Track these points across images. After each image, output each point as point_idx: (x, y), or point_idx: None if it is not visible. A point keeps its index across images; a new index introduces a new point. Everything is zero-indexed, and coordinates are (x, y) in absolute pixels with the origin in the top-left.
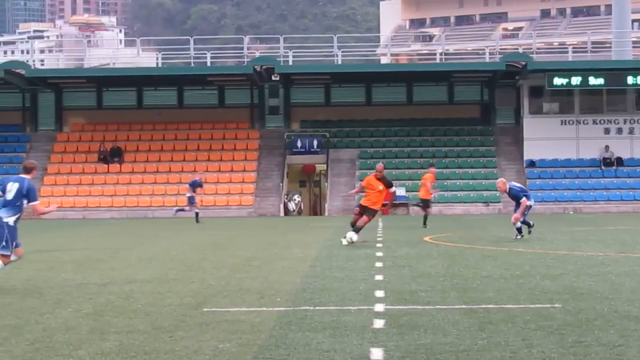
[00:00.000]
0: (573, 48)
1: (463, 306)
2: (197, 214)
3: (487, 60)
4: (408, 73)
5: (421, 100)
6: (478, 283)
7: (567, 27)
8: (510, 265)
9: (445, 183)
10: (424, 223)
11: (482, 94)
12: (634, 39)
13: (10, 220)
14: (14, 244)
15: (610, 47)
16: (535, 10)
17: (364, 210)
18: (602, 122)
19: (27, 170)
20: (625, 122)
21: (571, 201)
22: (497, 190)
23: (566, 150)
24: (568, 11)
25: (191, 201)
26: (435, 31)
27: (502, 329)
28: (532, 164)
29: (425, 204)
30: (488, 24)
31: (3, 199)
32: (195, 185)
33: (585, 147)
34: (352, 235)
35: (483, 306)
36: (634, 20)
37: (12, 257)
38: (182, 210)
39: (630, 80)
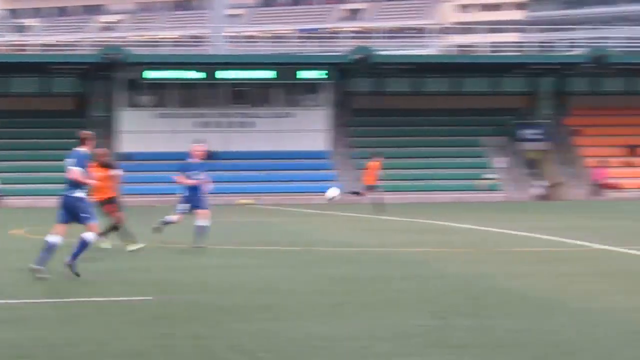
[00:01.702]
0: (173, 42)
1: (52, 300)
2: None
3: (85, 52)
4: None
5: (11, 92)
6: (72, 276)
7: (166, 21)
8: (90, 257)
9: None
10: (380, 210)
11: (78, 86)
12: (231, 34)
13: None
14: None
15: (209, 41)
16: (134, 3)
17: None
18: (198, 115)
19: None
20: (220, 116)
21: (165, 194)
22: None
23: (163, 143)
24: (167, 5)
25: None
26: (33, 22)
27: (91, 322)
28: (129, 156)
29: (369, 189)
30: (87, 15)
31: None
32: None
33: (181, 140)
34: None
35: (73, 299)
36: (230, 15)
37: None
38: None
39: (223, 74)
